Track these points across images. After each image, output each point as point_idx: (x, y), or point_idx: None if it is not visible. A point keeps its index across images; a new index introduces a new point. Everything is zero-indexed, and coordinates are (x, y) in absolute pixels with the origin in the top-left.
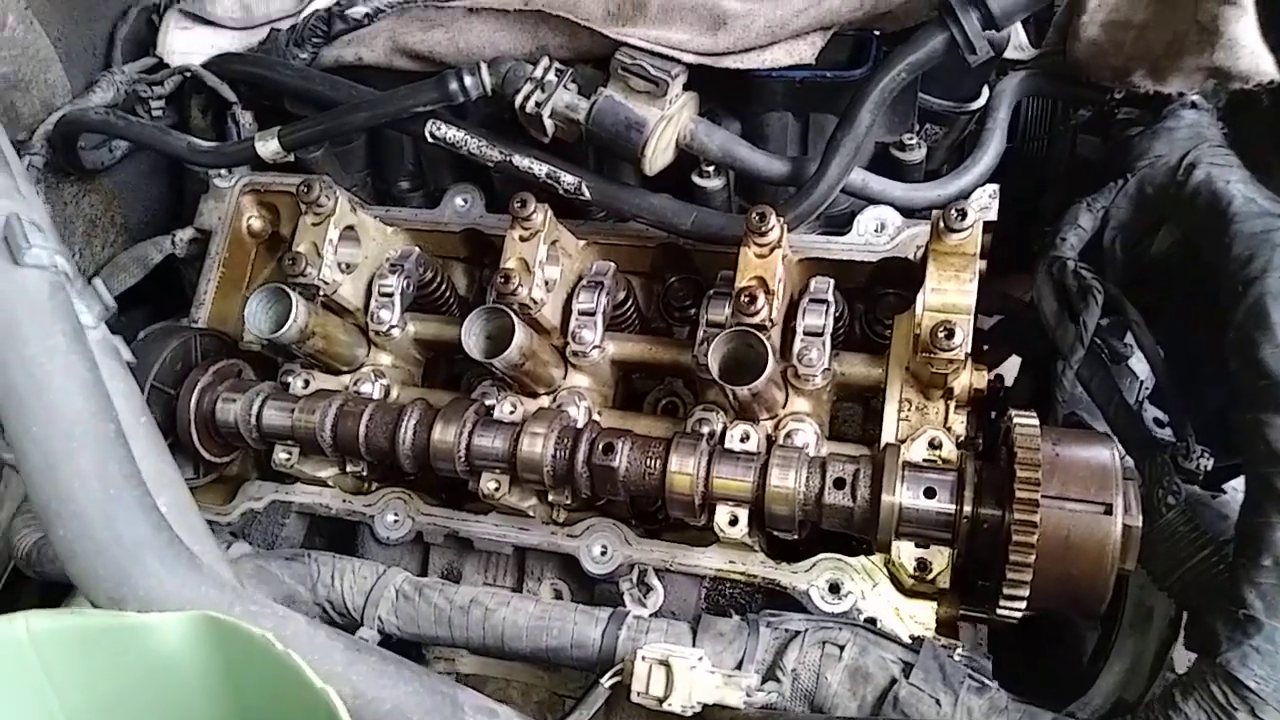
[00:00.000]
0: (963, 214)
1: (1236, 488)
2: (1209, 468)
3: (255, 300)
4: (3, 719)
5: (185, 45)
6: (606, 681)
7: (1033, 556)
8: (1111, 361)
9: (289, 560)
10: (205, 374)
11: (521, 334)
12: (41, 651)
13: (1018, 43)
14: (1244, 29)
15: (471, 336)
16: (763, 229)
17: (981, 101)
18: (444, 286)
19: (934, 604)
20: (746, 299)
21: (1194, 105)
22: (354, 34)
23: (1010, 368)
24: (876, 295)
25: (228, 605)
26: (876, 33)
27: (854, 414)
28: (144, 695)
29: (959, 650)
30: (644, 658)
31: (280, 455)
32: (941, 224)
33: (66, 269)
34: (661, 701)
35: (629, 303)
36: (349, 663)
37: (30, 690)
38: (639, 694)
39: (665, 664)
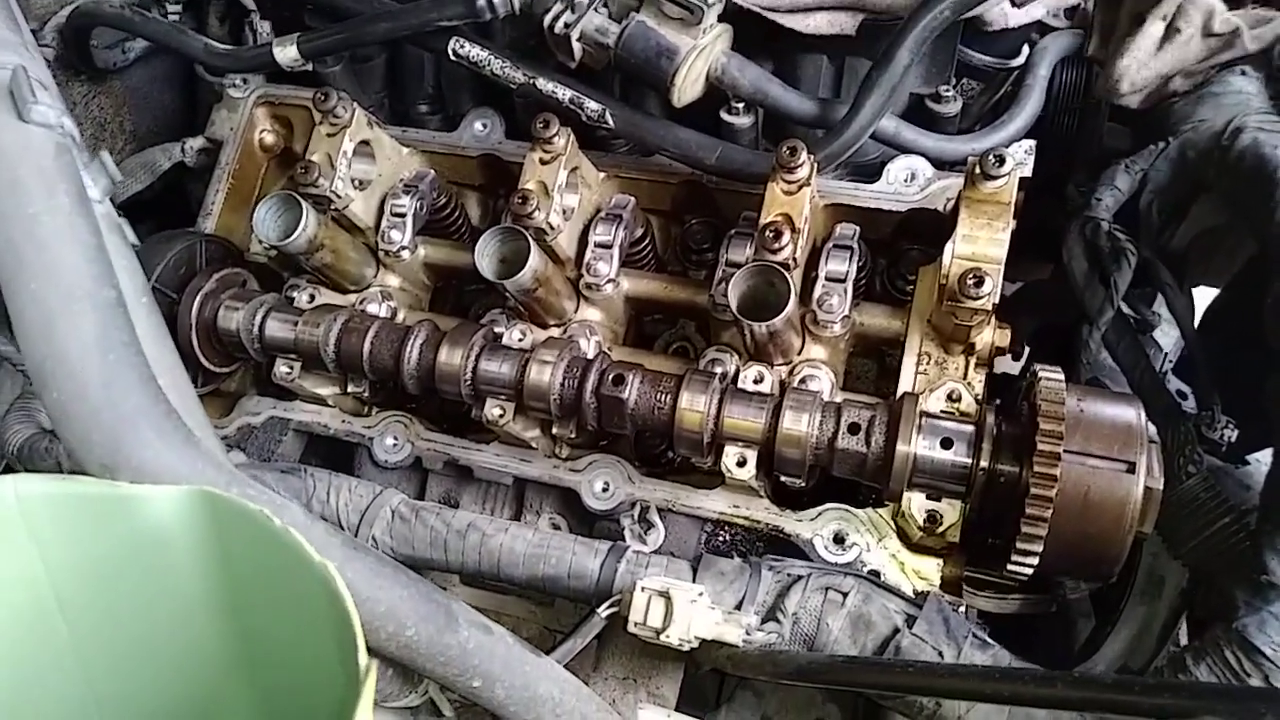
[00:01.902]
0: (1000, 160)
1: (1261, 460)
2: (1232, 439)
3: (265, 206)
4: None
5: None
6: (603, 611)
7: (1049, 511)
8: (1138, 330)
9: (284, 473)
10: (209, 280)
11: (536, 258)
12: (29, 516)
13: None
14: None
15: (485, 257)
16: (793, 164)
17: (1021, 59)
18: (457, 213)
19: (940, 561)
20: (772, 234)
21: (1243, 73)
22: None
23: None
24: (900, 250)
25: (224, 484)
26: None
27: (868, 370)
28: (134, 568)
29: (963, 609)
30: (644, 588)
31: (281, 369)
32: (978, 169)
33: (73, 133)
34: (659, 633)
35: (646, 241)
36: (346, 559)
37: (16, 555)
38: (636, 624)
39: (665, 595)
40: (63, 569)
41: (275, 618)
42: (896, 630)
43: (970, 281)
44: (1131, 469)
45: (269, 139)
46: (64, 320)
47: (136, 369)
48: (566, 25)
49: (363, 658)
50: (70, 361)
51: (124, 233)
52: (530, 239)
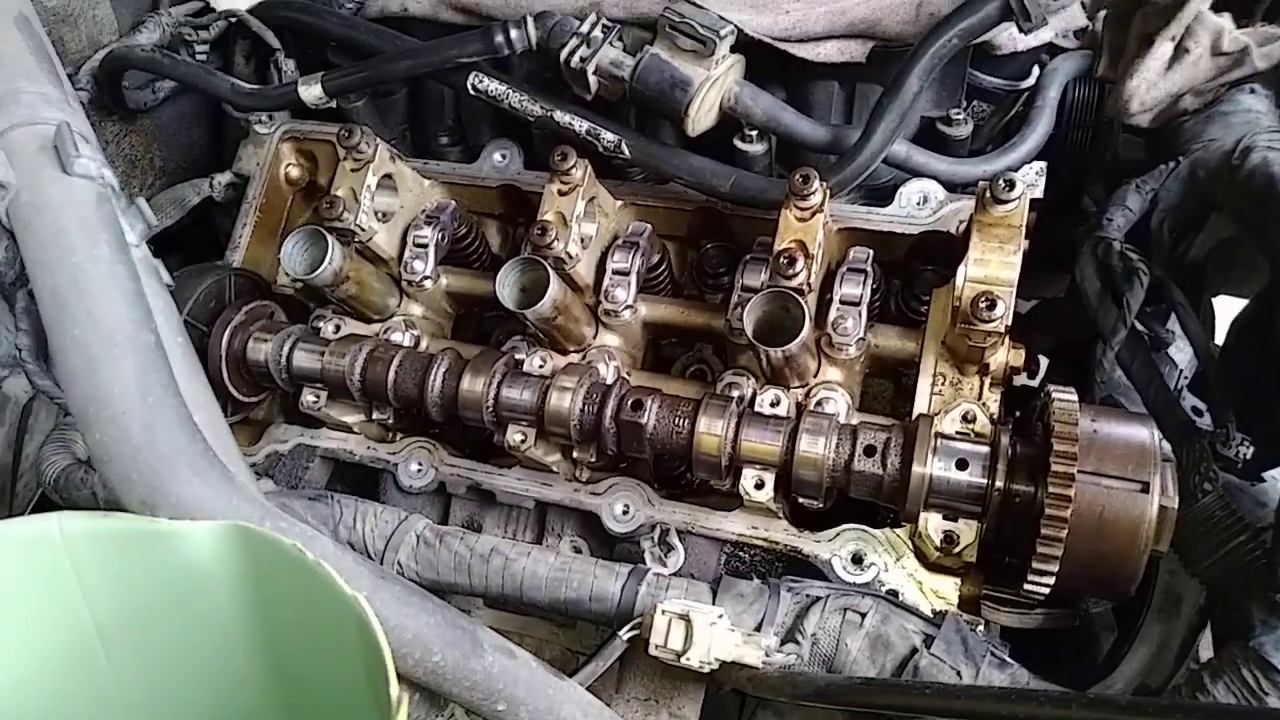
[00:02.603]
0: (1010, 184)
1: (1277, 477)
2: (1248, 456)
3: (292, 241)
4: (32, 616)
5: None
6: (625, 634)
7: (1065, 531)
8: (1152, 348)
9: (312, 500)
10: (238, 313)
11: (556, 287)
12: (73, 552)
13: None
14: None
15: (505, 287)
16: (805, 191)
17: (1031, 80)
18: (477, 242)
19: (957, 580)
20: (785, 260)
21: (1252, 91)
22: None
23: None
24: (914, 271)
25: (258, 519)
26: None
27: (884, 390)
28: (173, 601)
29: (981, 629)
30: (664, 611)
31: (308, 398)
32: (988, 194)
33: (113, 182)
34: (680, 656)
35: (663, 266)
36: (374, 588)
37: (60, 589)
38: (657, 646)
39: (685, 618)
40: (104, 601)
41: (307, 646)
42: (915, 650)
43: (983, 305)
44: (1145, 489)
45: (294, 173)
46: (106, 365)
47: (174, 409)
48: (582, 59)
49: (394, 690)
50: (112, 405)
51: (159, 274)
52: (549, 269)
